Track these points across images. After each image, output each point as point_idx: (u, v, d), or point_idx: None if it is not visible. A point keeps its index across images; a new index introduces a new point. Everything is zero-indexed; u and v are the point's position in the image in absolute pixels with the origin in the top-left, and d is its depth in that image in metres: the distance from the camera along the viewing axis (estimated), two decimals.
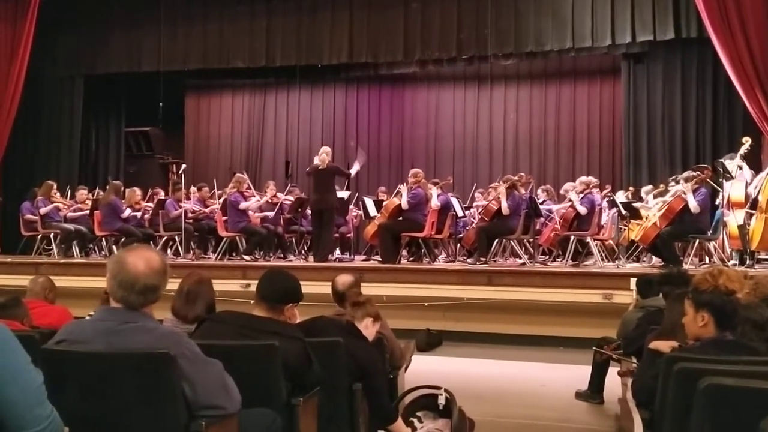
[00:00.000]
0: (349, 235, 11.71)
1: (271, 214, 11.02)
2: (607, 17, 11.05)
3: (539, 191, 11.34)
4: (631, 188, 11.06)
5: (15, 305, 4.25)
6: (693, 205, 8.43)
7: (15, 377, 2.11)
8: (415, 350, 6.03)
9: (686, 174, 9.03)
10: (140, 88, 14.03)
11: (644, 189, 10.82)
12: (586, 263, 9.76)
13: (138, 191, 11.36)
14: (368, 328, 3.99)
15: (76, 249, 10.93)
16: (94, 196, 11.58)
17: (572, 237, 9.67)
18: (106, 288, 2.67)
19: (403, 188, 10.03)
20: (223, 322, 3.32)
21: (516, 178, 10.22)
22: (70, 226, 10.99)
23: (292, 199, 11.28)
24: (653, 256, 9.47)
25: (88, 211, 11.25)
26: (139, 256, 2.62)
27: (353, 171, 10.79)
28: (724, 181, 8.73)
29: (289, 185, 12.39)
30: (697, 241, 8.85)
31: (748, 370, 2.80)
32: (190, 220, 10.85)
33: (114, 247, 10.48)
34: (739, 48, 9.56)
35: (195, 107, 16.30)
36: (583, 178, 10.28)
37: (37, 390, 2.16)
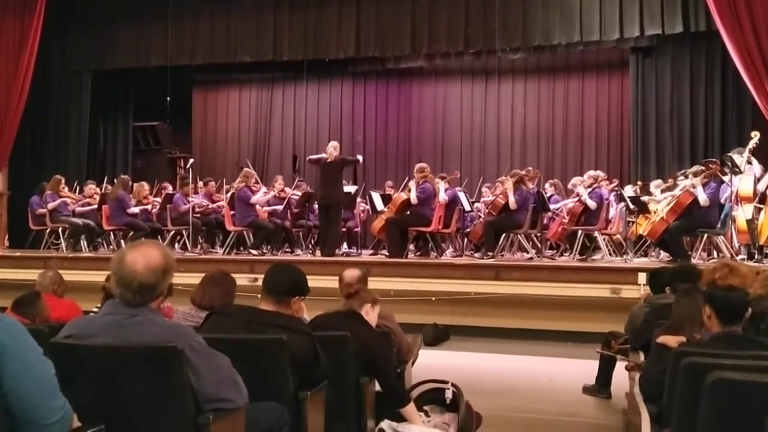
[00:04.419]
0: (356, 229, 11.71)
1: (279, 207, 11.02)
2: (615, 11, 11.00)
3: (547, 185, 11.31)
4: (639, 182, 11.03)
5: (30, 305, 4.28)
6: (703, 198, 8.40)
7: (29, 370, 2.13)
8: (422, 344, 6.05)
9: (694, 168, 9.01)
10: (148, 83, 14.05)
11: (654, 183, 10.78)
12: (593, 258, 9.74)
13: (146, 186, 11.39)
14: (369, 315, 3.98)
15: (84, 243, 10.98)
16: (102, 191, 11.61)
17: (580, 231, 9.64)
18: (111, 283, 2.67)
19: (412, 183, 10.03)
20: (231, 316, 3.33)
21: (523, 172, 10.19)
22: (79, 221, 11.03)
23: (299, 193, 11.29)
24: (661, 251, 9.45)
25: (96, 206, 11.28)
26: (139, 254, 2.58)
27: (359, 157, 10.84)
28: (732, 175, 8.69)
29: (296, 179, 12.40)
30: (706, 235, 8.82)
31: (756, 365, 2.80)
32: (197, 215, 10.88)
33: (122, 242, 10.50)
34: (748, 42, 9.51)
35: (202, 102, 16.32)
36: (591, 173, 10.23)
37: (51, 382, 2.18)
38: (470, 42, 11.95)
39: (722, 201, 8.63)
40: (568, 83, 14.30)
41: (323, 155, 10.14)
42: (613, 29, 11.07)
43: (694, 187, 8.58)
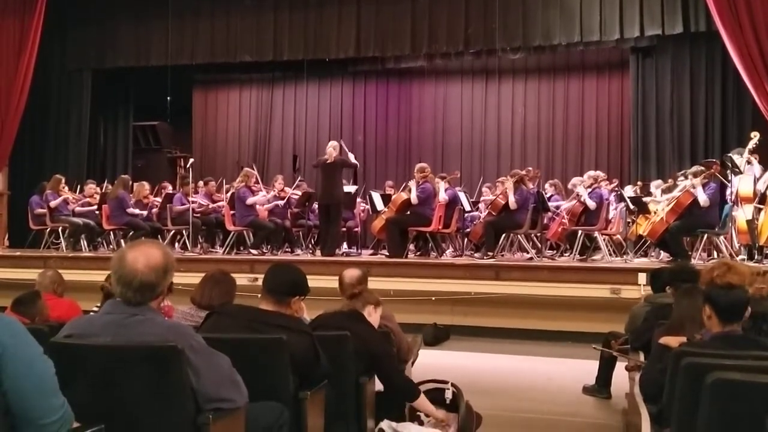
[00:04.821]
0: (356, 229, 11.71)
1: (280, 202, 11.02)
2: (615, 11, 11.00)
3: (547, 186, 11.32)
4: (639, 182, 11.03)
5: (30, 304, 4.28)
6: (703, 198, 8.40)
7: (29, 369, 2.13)
8: (422, 344, 6.05)
9: (694, 169, 9.00)
10: (148, 83, 14.05)
11: (654, 183, 10.78)
12: (593, 258, 9.74)
13: (146, 185, 11.40)
14: (371, 316, 4.00)
15: (84, 243, 10.97)
16: (103, 190, 11.62)
17: (580, 231, 9.64)
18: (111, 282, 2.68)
19: (412, 183, 10.04)
20: (231, 315, 3.33)
21: (524, 172, 10.19)
22: (79, 220, 11.03)
23: (299, 193, 11.29)
24: (661, 251, 9.45)
25: (96, 205, 11.29)
26: (140, 253, 2.59)
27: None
28: (732, 175, 8.69)
29: (297, 179, 12.40)
30: (706, 235, 8.82)
31: (756, 365, 2.80)
32: (197, 214, 10.88)
33: (122, 241, 10.51)
34: (748, 42, 9.51)
35: (203, 101, 16.32)
36: (591, 173, 10.23)
37: (51, 381, 2.19)
38: (470, 42, 11.94)
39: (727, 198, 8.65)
40: (568, 83, 14.30)
41: (323, 157, 10.16)
42: (613, 29, 11.07)
43: (694, 187, 8.58)
